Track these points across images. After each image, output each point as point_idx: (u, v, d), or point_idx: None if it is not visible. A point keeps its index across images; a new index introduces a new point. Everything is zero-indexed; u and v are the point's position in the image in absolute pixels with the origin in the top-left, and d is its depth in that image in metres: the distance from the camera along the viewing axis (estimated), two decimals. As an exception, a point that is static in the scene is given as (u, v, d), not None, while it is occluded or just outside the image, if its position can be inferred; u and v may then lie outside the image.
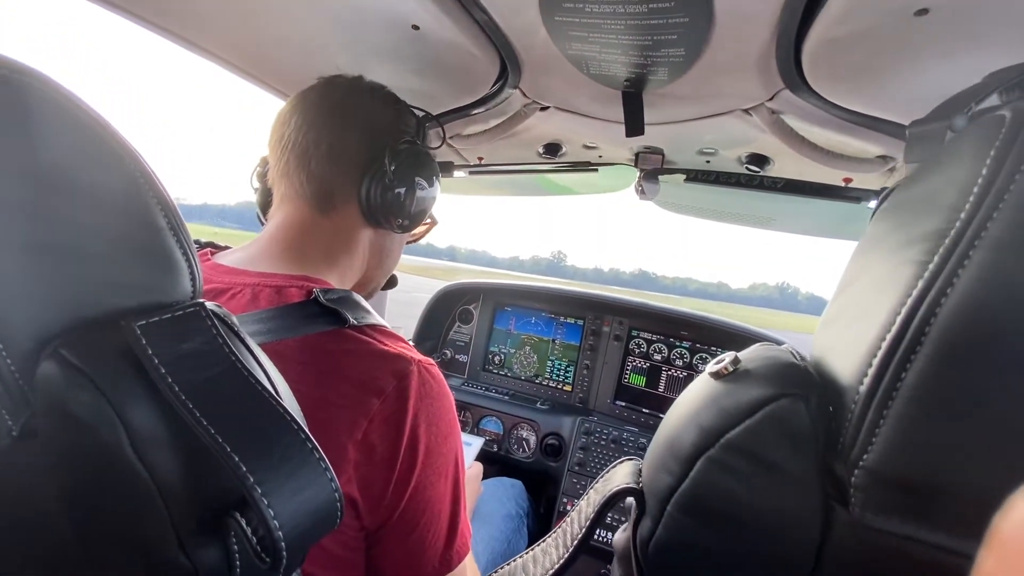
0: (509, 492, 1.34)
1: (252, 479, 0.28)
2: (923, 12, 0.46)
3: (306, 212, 0.62)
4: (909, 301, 0.25)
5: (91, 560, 0.30)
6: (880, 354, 0.26)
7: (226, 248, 0.66)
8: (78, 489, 0.29)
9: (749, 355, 0.35)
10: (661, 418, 1.39)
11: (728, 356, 0.35)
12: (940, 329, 0.24)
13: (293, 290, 0.54)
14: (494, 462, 1.58)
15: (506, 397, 1.63)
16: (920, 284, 0.25)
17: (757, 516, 0.31)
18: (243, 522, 0.29)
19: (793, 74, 0.60)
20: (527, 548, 0.52)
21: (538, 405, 1.59)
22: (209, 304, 0.33)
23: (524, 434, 1.56)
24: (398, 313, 1.67)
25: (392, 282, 0.81)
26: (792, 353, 0.34)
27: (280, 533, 0.28)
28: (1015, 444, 0.24)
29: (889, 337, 0.26)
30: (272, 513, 0.28)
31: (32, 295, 0.28)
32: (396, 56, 0.72)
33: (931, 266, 0.25)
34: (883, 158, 0.79)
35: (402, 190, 0.63)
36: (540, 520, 1.46)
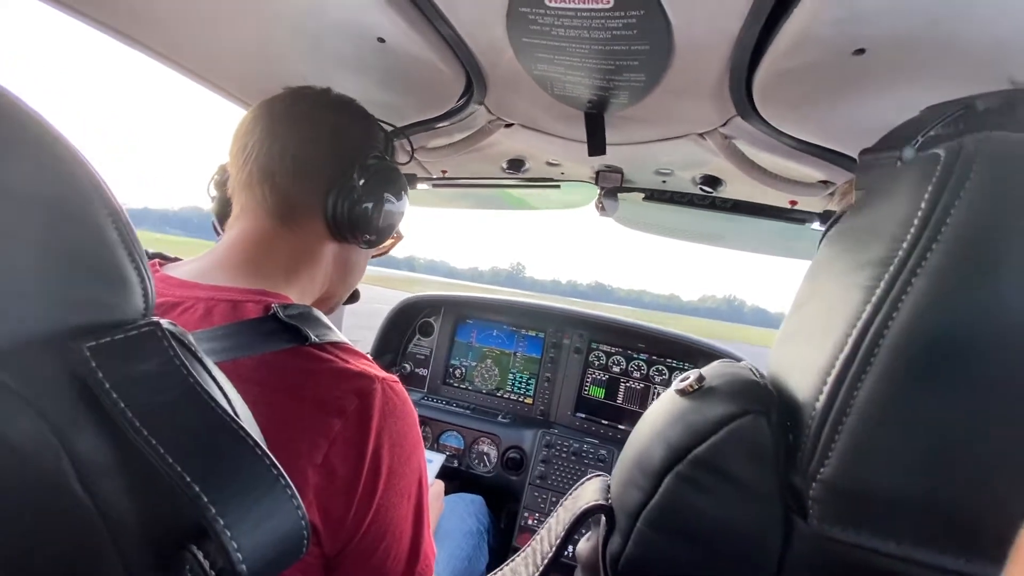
0: (469, 508, 1.33)
1: (214, 510, 0.26)
2: (860, 52, 0.50)
3: (268, 225, 0.60)
4: (859, 324, 0.27)
5: None
6: (834, 373, 0.28)
7: (176, 259, 0.62)
8: (17, 523, 0.26)
9: (712, 372, 0.36)
10: (620, 429, 1.42)
11: (693, 374, 0.36)
12: (887, 350, 0.26)
13: (250, 305, 0.52)
14: (454, 477, 1.56)
15: (467, 411, 1.61)
16: (868, 308, 0.27)
17: (723, 530, 0.32)
18: (199, 555, 0.27)
19: (744, 102, 0.63)
20: (494, 567, 0.51)
21: (499, 419, 1.58)
22: (164, 322, 0.31)
23: (485, 448, 1.55)
24: (355, 325, 1.62)
25: (355, 296, 0.79)
26: (752, 370, 0.36)
27: (244, 566, 0.26)
28: (958, 454, 0.26)
29: (842, 357, 0.28)
30: (236, 545, 0.26)
31: None
32: (360, 68, 0.72)
33: (878, 291, 0.27)
34: (824, 183, 0.85)
35: (370, 205, 0.61)
36: (501, 535, 1.45)
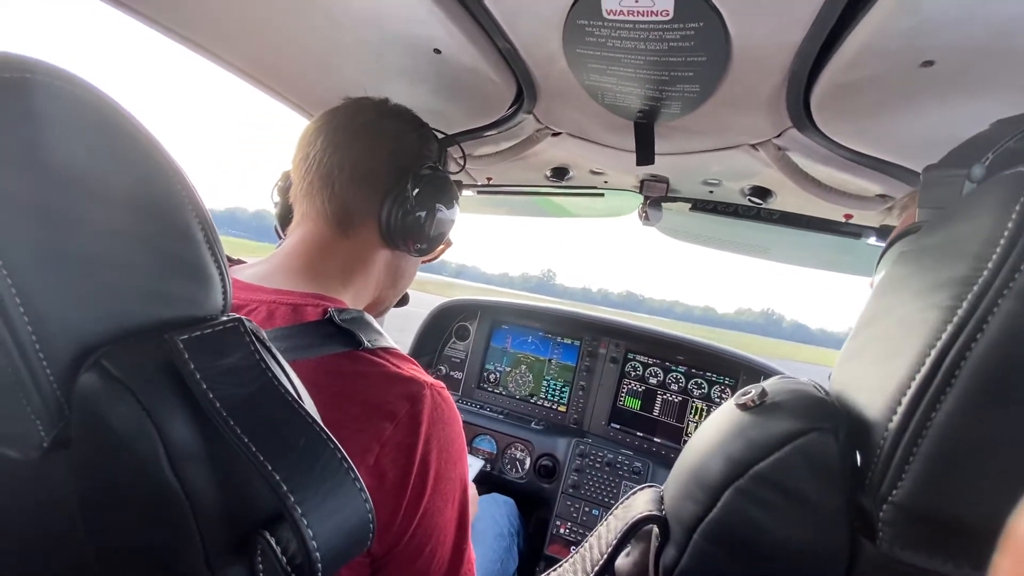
0: (502, 510, 1.33)
1: (293, 499, 0.28)
2: (929, 64, 0.48)
3: (326, 231, 0.63)
4: (939, 344, 0.26)
5: (112, 574, 0.29)
6: (910, 393, 0.27)
7: (239, 261, 0.66)
8: (108, 502, 0.29)
9: (775, 388, 0.36)
10: (655, 442, 1.39)
11: (755, 388, 0.36)
12: (970, 372, 0.25)
13: (309, 309, 0.55)
14: (486, 482, 1.57)
15: (500, 416, 1.62)
16: (949, 328, 0.26)
17: (784, 548, 0.31)
18: (272, 541, 0.29)
19: (801, 114, 0.62)
20: (524, 571, 0.52)
21: (532, 425, 1.58)
22: (245, 319, 0.33)
23: (518, 454, 1.55)
24: (390, 327, 1.66)
25: (404, 299, 0.81)
26: (816, 387, 0.35)
27: (317, 554, 0.28)
28: None
29: (919, 377, 0.27)
30: (311, 533, 0.28)
31: (73, 305, 0.28)
32: (416, 78, 0.74)
33: (960, 311, 0.26)
34: (882, 196, 0.82)
35: (422, 214, 0.63)
36: (530, 540, 1.45)
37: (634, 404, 1.56)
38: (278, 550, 0.29)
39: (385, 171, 0.63)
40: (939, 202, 0.38)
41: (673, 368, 1.54)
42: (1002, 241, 0.25)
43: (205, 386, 0.29)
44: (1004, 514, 0.26)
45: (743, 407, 0.35)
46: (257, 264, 0.63)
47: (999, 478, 0.25)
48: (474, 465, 1.32)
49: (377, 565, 0.52)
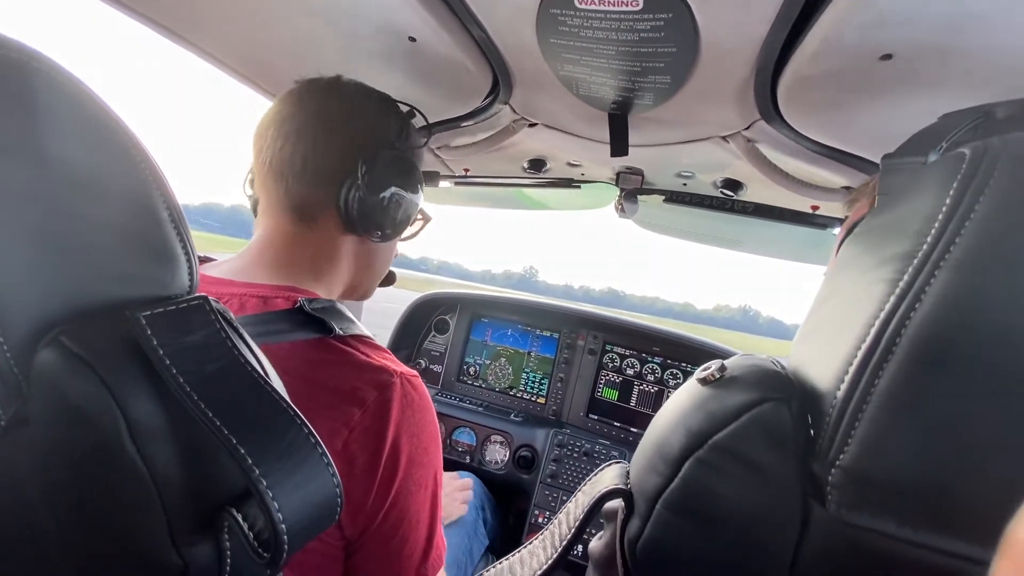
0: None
1: (258, 471, 0.28)
2: (887, 57, 0.50)
3: (288, 225, 0.62)
4: (882, 315, 0.28)
5: (75, 557, 0.29)
6: (856, 362, 0.29)
7: (209, 259, 0.65)
8: (69, 482, 0.28)
9: (734, 363, 0.37)
10: (632, 432, 1.42)
11: (715, 363, 0.37)
12: (909, 340, 0.27)
13: (279, 300, 0.54)
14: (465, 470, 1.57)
15: (480, 408, 1.63)
16: (892, 300, 0.28)
17: (741, 513, 0.33)
18: (239, 517, 0.29)
19: (769, 106, 0.64)
20: (495, 547, 0.53)
21: (512, 417, 1.59)
22: (211, 298, 0.33)
23: (497, 446, 1.56)
24: (369, 323, 1.65)
25: (390, 278, 0.80)
26: (773, 362, 0.37)
27: (283, 526, 0.28)
28: (974, 444, 0.27)
29: (864, 347, 0.28)
30: (277, 506, 0.28)
31: (33, 282, 0.28)
32: (390, 65, 0.74)
33: (901, 283, 0.28)
34: (847, 188, 0.85)
35: (382, 197, 0.62)
36: (507, 529, 1.47)
37: (612, 395, 1.59)
38: (245, 526, 0.29)
39: (337, 158, 0.61)
40: (895, 188, 0.40)
41: (649, 359, 1.57)
42: (940, 216, 0.27)
43: (168, 362, 0.28)
44: (942, 475, 0.28)
45: (703, 381, 0.37)
46: (228, 261, 0.62)
47: (936, 440, 0.27)
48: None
49: (351, 549, 0.53)
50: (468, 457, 1.56)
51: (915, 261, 0.27)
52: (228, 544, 0.30)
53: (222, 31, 0.72)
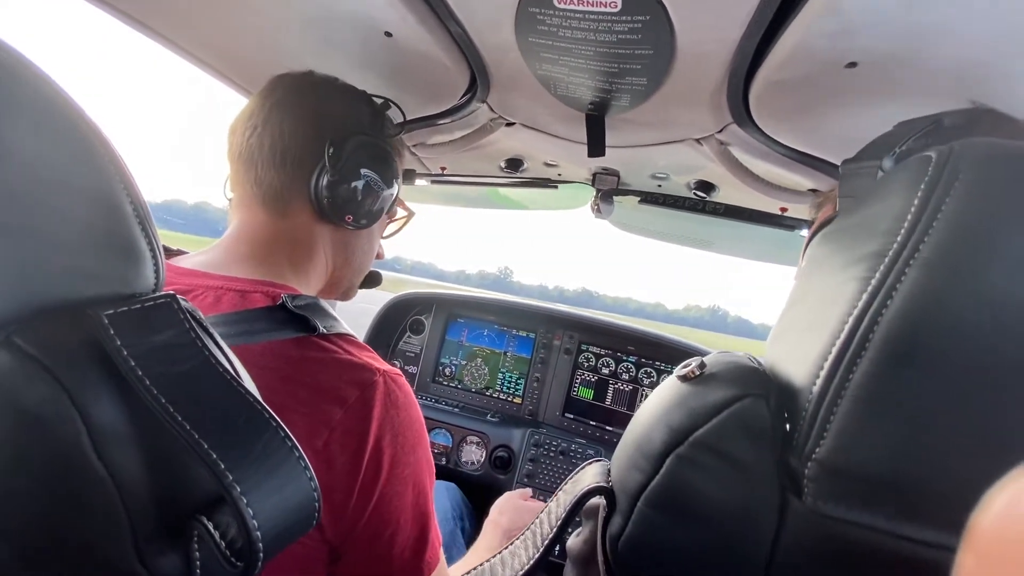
0: (442, 495, 1.34)
1: (231, 477, 0.27)
2: (852, 65, 0.52)
3: (261, 216, 0.61)
4: (855, 312, 0.29)
5: (33, 569, 0.27)
6: (831, 358, 0.30)
7: (179, 251, 0.63)
8: (25, 491, 0.26)
9: (713, 360, 0.38)
10: (608, 430, 1.43)
11: (695, 361, 0.38)
12: (882, 336, 0.28)
13: (257, 295, 0.53)
14: (442, 475, 1.56)
15: (456, 409, 1.62)
16: (864, 297, 0.29)
17: (720, 508, 0.33)
18: (210, 525, 0.28)
19: (741, 110, 0.66)
20: (482, 552, 0.52)
21: (488, 417, 1.59)
22: (180, 297, 0.32)
23: (473, 447, 1.55)
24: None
25: (375, 279, 0.78)
26: (750, 359, 0.38)
27: (258, 533, 0.27)
28: (944, 436, 0.28)
29: (838, 343, 0.29)
30: (251, 512, 0.27)
31: None
32: (366, 61, 0.72)
33: (873, 282, 0.29)
34: (814, 191, 0.88)
35: (352, 185, 0.61)
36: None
37: (587, 394, 1.60)
38: (216, 535, 0.27)
39: (306, 144, 0.60)
40: (855, 191, 0.42)
41: (624, 358, 1.59)
42: (909, 216, 0.28)
43: (133, 363, 0.27)
44: (914, 467, 0.29)
45: (684, 378, 0.37)
46: (200, 253, 0.60)
47: (908, 433, 0.28)
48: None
49: (336, 554, 0.51)
50: (444, 458, 1.55)
51: (886, 260, 0.28)
52: (198, 554, 0.28)
53: (193, 23, 0.69)
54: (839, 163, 0.75)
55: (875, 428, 0.28)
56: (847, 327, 0.29)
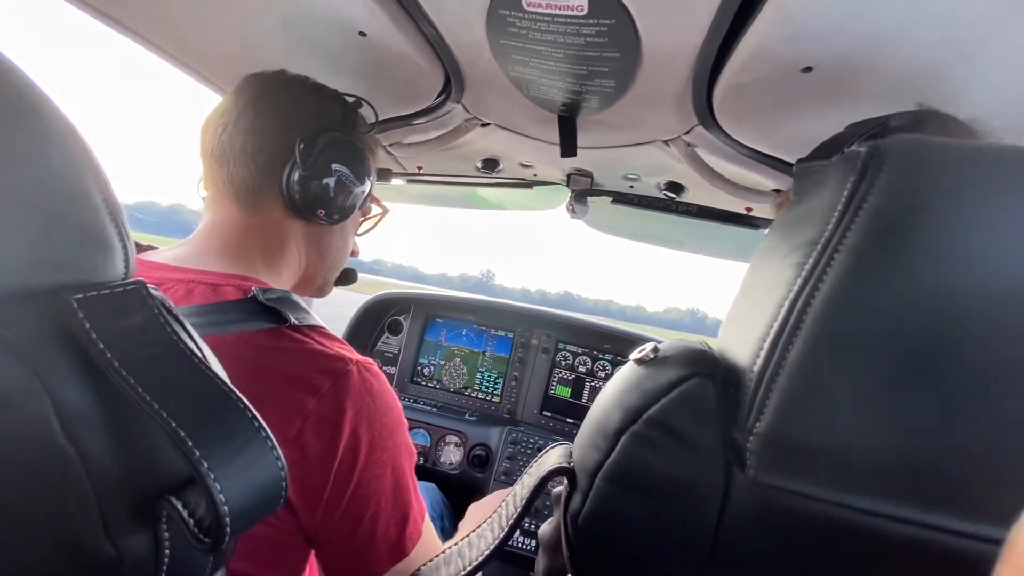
0: (424, 496, 1.35)
1: (199, 453, 0.27)
2: (808, 69, 0.55)
3: (234, 211, 0.61)
4: (790, 295, 0.31)
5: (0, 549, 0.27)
6: (769, 339, 0.32)
7: (149, 247, 0.62)
8: None
9: (667, 345, 0.40)
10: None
11: (649, 345, 0.40)
12: (813, 317, 0.30)
13: (229, 288, 0.53)
14: (420, 475, 1.56)
15: (434, 409, 1.62)
16: (798, 282, 0.31)
17: (671, 482, 0.35)
18: (179, 505, 0.28)
19: (705, 112, 0.68)
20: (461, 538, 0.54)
21: (466, 417, 1.60)
22: (149, 285, 0.32)
23: (452, 446, 1.56)
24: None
25: (350, 276, 0.79)
26: (703, 344, 0.40)
27: (225, 508, 0.27)
28: (870, 407, 0.30)
29: (776, 325, 0.32)
30: (219, 487, 0.27)
31: None
32: (340, 61, 0.73)
33: (806, 267, 0.31)
34: (777, 191, 0.92)
35: (323, 180, 0.61)
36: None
37: (564, 392, 1.62)
38: (185, 513, 0.28)
39: (277, 141, 0.60)
40: (807, 189, 0.45)
41: (600, 356, 1.62)
42: (839, 206, 0.31)
43: (103, 346, 0.27)
44: (841, 437, 0.31)
45: (639, 362, 0.39)
46: (171, 249, 0.60)
47: (838, 406, 0.30)
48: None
49: (318, 540, 0.52)
50: (423, 458, 1.55)
51: (818, 247, 0.31)
52: (166, 534, 0.29)
53: (167, 21, 0.69)
54: None
55: (809, 403, 0.31)
56: (783, 310, 0.31)
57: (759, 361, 0.32)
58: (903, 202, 0.29)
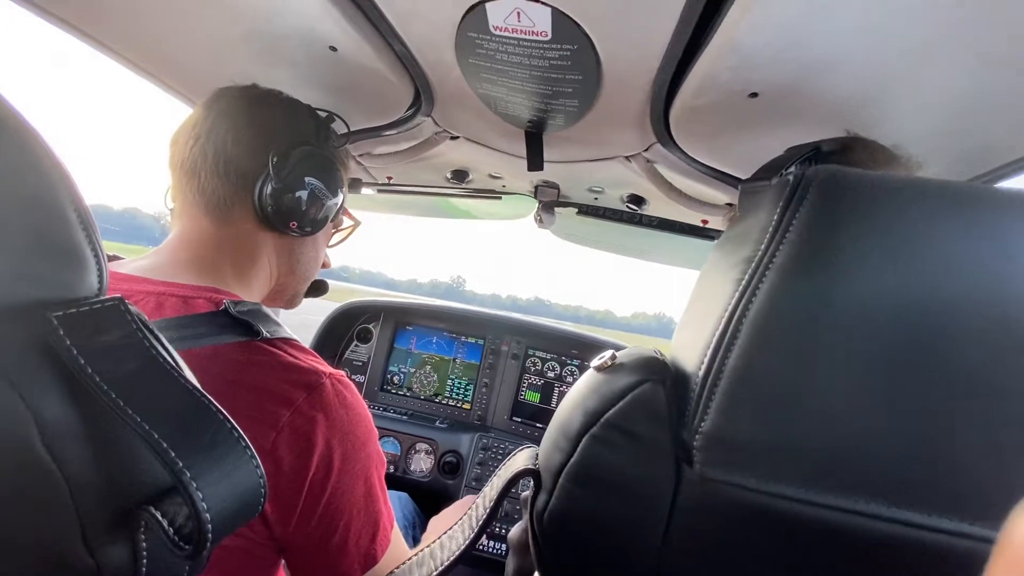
0: (395, 504, 1.35)
1: (181, 463, 0.28)
2: (754, 95, 0.60)
3: (204, 223, 0.61)
4: (729, 307, 0.35)
5: None
6: (711, 347, 0.35)
7: (115, 257, 0.62)
8: None
9: (624, 353, 0.43)
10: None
11: (608, 353, 0.43)
12: (748, 327, 0.34)
13: (200, 301, 0.53)
14: (391, 484, 1.55)
15: (404, 417, 1.62)
16: (735, 296, 0.35)
17: (627, 479, 0.38)
18: (157, 514, 0.29)
19: (663, 132, 0.73)
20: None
21: (437, 424, 1.60)
22: (127, 301, 0.33)
23: (422, 454, 1.56)
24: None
25: (321, 287, 0.79)
26: (655, 351, 0.43)
27: (207, 515, 0.28)
28: (799, 407, 0.34)
29: (717, 334, 0.35)
30: (201, 496, 0.28)
31: None
32: (311, 74, 0.74)
33: (743, 283, 0.35)
34: (730, 205, 0.98)
35: (296, 193, 0.62)
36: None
37: (534, 397, 1.65)
38: (164, 522, 0.29)
39: (250, 154, 0.61)
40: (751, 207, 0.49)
41: (569, 362, 1.65)
42: (771, 228, 0.35)
43: (83, 361, 0.28)
44: (775, 433, 0.35)
45: (599, 369, 0.42)
46: (139, 259, 0.60)
47: (772, 406, 0.34)
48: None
49: (288, 552, 0.52)
50: (392, 467, 1.55)
51: (752, 264, 0.35)
52: (144, 544, 0.29)
53: (135, 32, 0.68)
54: None
55: (746, 404, 0.34)
56: (723, 321, 0.35)
57: (703, 367, 0.36)
58: (822, 225, 0.33)
